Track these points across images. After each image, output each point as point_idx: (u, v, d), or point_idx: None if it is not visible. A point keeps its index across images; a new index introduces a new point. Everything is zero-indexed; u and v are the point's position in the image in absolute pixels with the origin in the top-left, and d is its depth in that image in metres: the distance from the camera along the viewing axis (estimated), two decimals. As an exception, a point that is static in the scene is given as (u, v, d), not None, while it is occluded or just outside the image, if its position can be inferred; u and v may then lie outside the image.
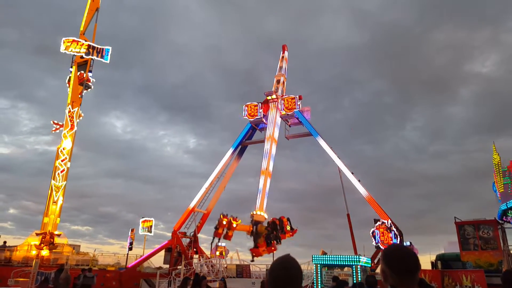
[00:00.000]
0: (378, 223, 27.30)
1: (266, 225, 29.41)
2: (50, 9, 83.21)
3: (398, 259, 2.34)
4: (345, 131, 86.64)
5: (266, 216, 30.34)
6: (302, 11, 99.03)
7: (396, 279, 2.31)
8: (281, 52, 39.48)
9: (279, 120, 34.58)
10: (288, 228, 29.35)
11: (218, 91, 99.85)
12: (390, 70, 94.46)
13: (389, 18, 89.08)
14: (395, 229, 26.71)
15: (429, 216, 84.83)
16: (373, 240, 27.23)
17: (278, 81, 36.46)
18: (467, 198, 77.92)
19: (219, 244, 33.70)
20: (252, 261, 29.42)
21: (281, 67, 38.20)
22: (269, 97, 34.90)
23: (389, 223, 26.93)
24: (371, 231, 27.42)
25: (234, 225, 30.32)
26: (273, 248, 28.56)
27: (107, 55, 38.94)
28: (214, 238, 30.81)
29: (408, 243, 27.12)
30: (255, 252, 28.89)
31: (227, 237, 30.67)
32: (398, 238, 26.35)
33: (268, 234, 28.68)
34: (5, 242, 30.67)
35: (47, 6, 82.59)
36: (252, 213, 29.98)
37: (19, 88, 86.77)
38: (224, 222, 29.97)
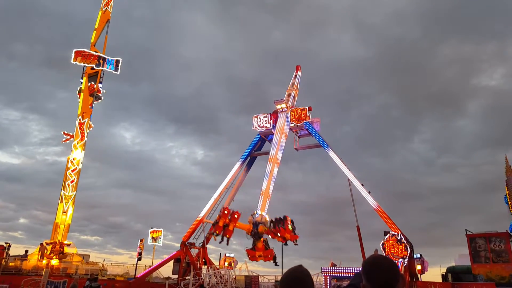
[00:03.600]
0: (388, 235, 27.17)
1: (269, 225, 26.73)
2: (58, 22, 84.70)
3: (377, 271, 2.19)
4: (353, 143, 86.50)
5: (267, 217, 27.41)
6: (307, 25, 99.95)
7: None
8: (295, 71, 39.76)
9: (287, 129, 34.34)
10: (290, 227, 26.41)
11: (225, 103, 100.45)
12: (397, 83, 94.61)
13: (394, 33, 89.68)
14: (405, 241, 26.56)
15: (440, 229, 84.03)
16: (383, 252, 27.08)
17: (289, 95, 36.49)
18: (477, 211, 77.28)
19: (228, 254, 33.65)
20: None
21: (293, 83, 38.31)
22: (278, 106, 34.19)
23: (399, 236, 26.80)
24: (381, 243, 27.28)
25: (236, 216, 27.32)
26: (269, 256, 26.56)
27: (118, 66, 39.43)
28: (212, 233, 27.39)
29: (419, 256, 26.95)
30: (250, 253, 26.72)
31: (227, 232, 27.15)
32: (409, 250, 26.18)
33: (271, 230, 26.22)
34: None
35: (56, 20, 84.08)
36: (253, 212, 27.58)
37: (30, 100, 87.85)
38: (226, 212, 27.27)
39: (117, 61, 40.20)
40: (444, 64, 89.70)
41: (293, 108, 34.57)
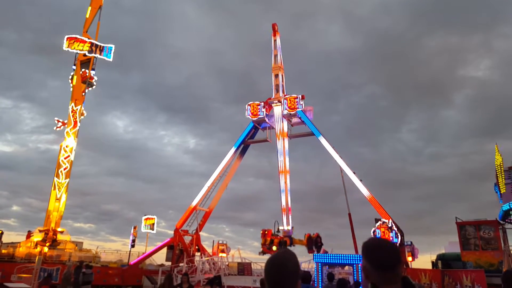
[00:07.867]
0: (379, 222, 27.39)
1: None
2: (48, 10, 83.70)
3: (378, 252, 2.16)
4: (342, 133, 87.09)
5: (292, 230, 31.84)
6: (296, 15, 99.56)
7: (377, 275, 2.13)
8: (272, 35, 35.91)
9: (285, 120, 34.75)
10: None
11: (216, 93, 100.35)
12: (385, 74, 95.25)
13: (381, 24, 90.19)
14: (396, 229, 26.82)
15: (429, 217, 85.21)
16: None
17: (276, 76, 34.98)
18: (465, 199, 78.36)
19: (221, 241, 33.86)
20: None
21: (275, 56, 35.47)
22: (273, 104, 34.39)
23: (390, 223, 27.04)
24: (372, 230, 27.52)
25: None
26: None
27: (110, 53, 38.93)
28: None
29: (409, 243, 27.25)
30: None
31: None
32: (399, 238, 26.45)
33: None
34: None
35: (45, 7, 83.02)
36: (277, 229, 31.76)
37: (21, 88, 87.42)
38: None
39: (110, 48, 39.74)
40: (431, 55, 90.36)
41: (286, 96, 34.30)
